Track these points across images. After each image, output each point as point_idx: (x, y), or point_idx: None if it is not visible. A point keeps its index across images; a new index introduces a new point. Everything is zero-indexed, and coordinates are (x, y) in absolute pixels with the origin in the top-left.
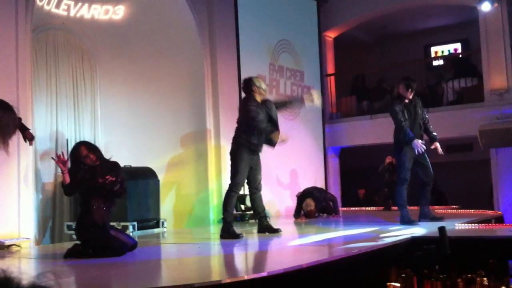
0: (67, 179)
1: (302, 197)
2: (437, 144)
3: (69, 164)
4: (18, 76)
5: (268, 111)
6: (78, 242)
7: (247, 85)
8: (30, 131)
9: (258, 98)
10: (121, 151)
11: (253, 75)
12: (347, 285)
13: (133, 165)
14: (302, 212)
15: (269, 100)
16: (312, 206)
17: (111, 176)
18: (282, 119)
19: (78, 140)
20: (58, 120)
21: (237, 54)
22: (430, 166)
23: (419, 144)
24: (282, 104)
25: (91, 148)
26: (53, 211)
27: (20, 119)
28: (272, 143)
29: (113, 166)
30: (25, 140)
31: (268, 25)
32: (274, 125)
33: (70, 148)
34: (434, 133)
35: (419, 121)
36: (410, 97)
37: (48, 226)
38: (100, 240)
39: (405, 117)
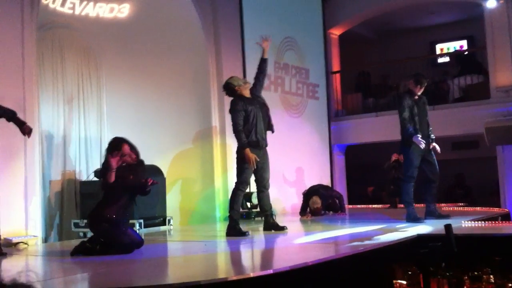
0: (113, 178)
1: (308, 194)
2: (435, 145)
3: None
4: (24, 73)
5: (262, 103)
6: (85, 239)
7: (228, 89)
8: (28, 125)
9: (246, 93)
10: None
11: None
12: (353, 283)
13: None
14: (308, 209)
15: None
16: (319, 204)
17: (150, 178)
18: (288, 117)
19: (84, 139)
20: (64, 117)
21: (242, 52)
22: (436, 163)
23: (419, 140)
24: None
25: (133, 147)
26: (60, 208)
27: (14, 113)
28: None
29: (142, 165)
30: (23, 134)
31: (273, 23)
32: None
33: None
34: (433, 136)
35: (426, 119)
36: (419, 93)
37: (56, 223)
38: (110, 236)
39: (413, 113)
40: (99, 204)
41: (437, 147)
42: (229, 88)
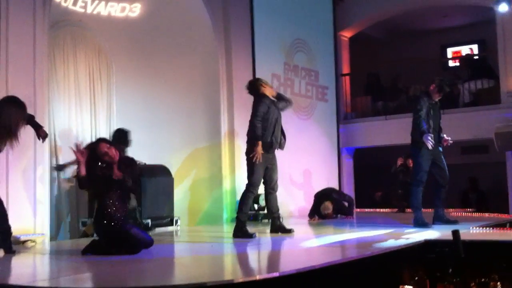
0: (83, 171)
1: (320, 197)
2: (445, 137)
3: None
4: (35, 71)
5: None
6: (96, 238)
7: (253, 87)
8: (44, 128)
9: (269, 93)
10: (135, 147)
11: (267, 77)
12: (359, 287)
13: (148, 162)
14: (316, 213)
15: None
16: (330, 210)
17: (128, 172)
18: (297, 119)
19: (94, 136)
20: (75, 116)
21: (252, 53)
22: (446, 168)
23: (428, 139)
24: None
25: (111, 145)
26: (70, 207)
27: (32, 116)
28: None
29: (129, 162)
30: (38, 138)
31: (284, 24)
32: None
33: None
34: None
35: (440, 124)
36: (437, 99)
37: (64, 222)
38: (113, 235)
39: (429, 115)
40: (97, 207)
41: (449, 139)
42: (254, 86)
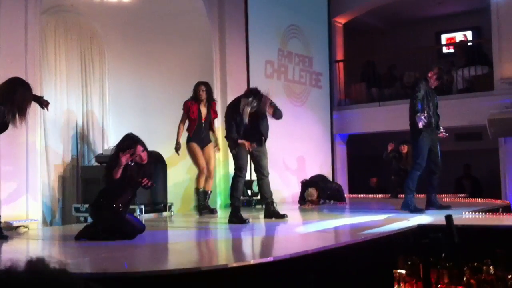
0: (119, 175)
1: (305, 185)
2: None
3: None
4: (27, 57)
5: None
6: (89, 224)
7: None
8: (44, 98)
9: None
10: None
11: (261, 63)
12: (353, 272)
13: None
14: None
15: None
16: (314, 196)
17: (150, 178)
18: (290, 105)
19: (86, 123)
20: (67, 102)
21: (246, 39)
22: (440, 155)
23: (421, 118)
24: None
25: (146, 148)
26: (62, 193)
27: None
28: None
29: (150, 166)
30: (42, 107)
31: (278, 10)
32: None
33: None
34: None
35: (437, 111)
36: (433, 86)
37: (57, 208)
38: (110, 221)
39: (428, 99)
40: (102, 193)
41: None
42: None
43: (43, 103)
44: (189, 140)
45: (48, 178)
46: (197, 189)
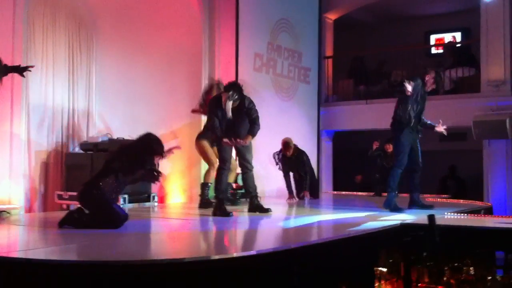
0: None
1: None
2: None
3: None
4: (14, 40)
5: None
6: (73, 210)
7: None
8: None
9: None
10: (114, 121)
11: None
12: (335, 268)
13: (126, 137)
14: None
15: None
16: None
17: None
18: (278, 100)
19: (72, 109)
20: (52, 87)
21: (236, 31)
22: (420, 154)
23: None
24: None
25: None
26: (45, 179)
27: (6, 66)
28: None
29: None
30: (22, 75)
31: (269, 3)
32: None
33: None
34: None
35: (423, 115)
36: (429, 90)
37: (40, 194)
38: (97, 208)
39: (417, 98)
40: (98, 175)
41: (443, 127)
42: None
43: (22, 71)
44: (200, 138)
45: (30, 164)
46: (205, 184)
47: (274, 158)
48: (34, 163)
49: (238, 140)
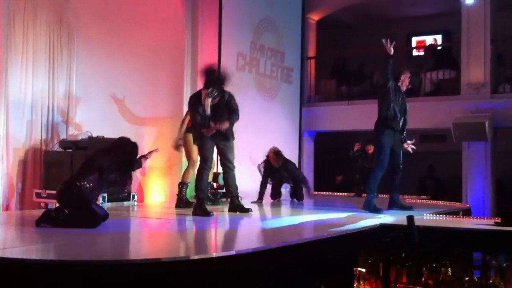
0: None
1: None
2: (408, 143)
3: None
4: None
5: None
6: (50, 208)
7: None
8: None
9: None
10: (95, 120)
11: (233, 55)
12: (315, 268)
13: (106, 135)
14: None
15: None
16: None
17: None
18: (260, 99)
19: (51, 107)
20: (32, 83)
21: (219, 29)
22: (401, 156)
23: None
24: None
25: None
26: (23, 177)
27: None
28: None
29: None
30: None
31: (253, 2)
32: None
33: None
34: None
35: (405, 115)
36: (404, 89)
37: (17, 192)
38: (77, 209)
39: (396, 95)
40: (79, 174)
41: (411, 145)
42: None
43: None
44: (188, 131)
45: (8, 161)
46: (183, 183)
47: (260, 170)
48: (12, 160)
49: (217, 124)
